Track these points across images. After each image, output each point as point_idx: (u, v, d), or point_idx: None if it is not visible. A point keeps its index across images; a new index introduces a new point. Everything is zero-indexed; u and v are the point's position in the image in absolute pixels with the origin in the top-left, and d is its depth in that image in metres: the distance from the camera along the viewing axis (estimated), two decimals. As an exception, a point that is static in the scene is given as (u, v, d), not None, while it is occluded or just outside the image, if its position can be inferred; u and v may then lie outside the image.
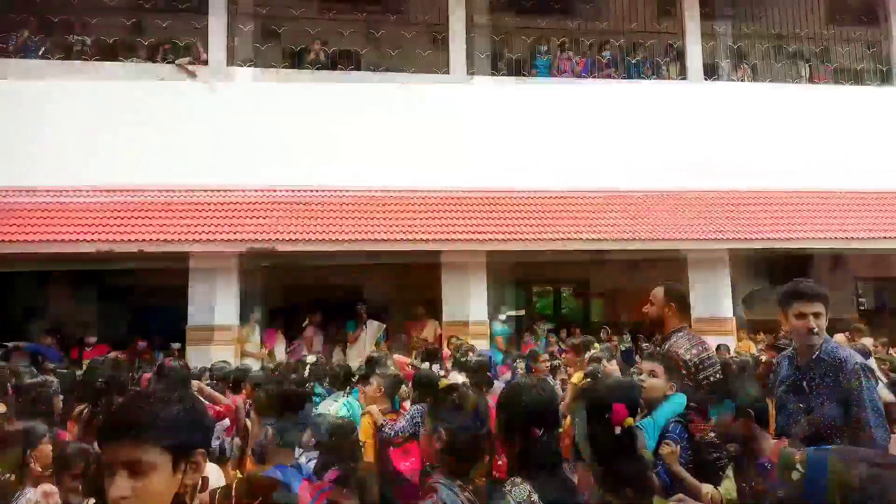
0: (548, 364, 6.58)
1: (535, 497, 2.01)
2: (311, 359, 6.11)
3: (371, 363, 5.60)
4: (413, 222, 9.76)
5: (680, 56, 11.76)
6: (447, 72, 10.95)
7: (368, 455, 4.43)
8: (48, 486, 2.88)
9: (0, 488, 2.74)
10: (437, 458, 2.06)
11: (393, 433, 4.44)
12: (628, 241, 10.08)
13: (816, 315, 3.00)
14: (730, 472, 2.78)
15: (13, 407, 3.61)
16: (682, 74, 11.67)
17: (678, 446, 2.98)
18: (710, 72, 11.92)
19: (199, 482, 1.38)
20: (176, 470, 1.32)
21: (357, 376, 5.46)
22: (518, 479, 2.05)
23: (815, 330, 2.98)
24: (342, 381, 5.23)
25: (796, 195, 11.10)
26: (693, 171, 10.95)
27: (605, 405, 2.42)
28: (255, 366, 8.22)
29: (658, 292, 3.65)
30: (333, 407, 4.84)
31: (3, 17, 10.32)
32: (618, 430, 2.40)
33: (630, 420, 2.44)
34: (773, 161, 11.11)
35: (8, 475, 2.76)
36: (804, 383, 2.99)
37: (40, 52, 10.32)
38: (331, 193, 10.15)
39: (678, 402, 3.33)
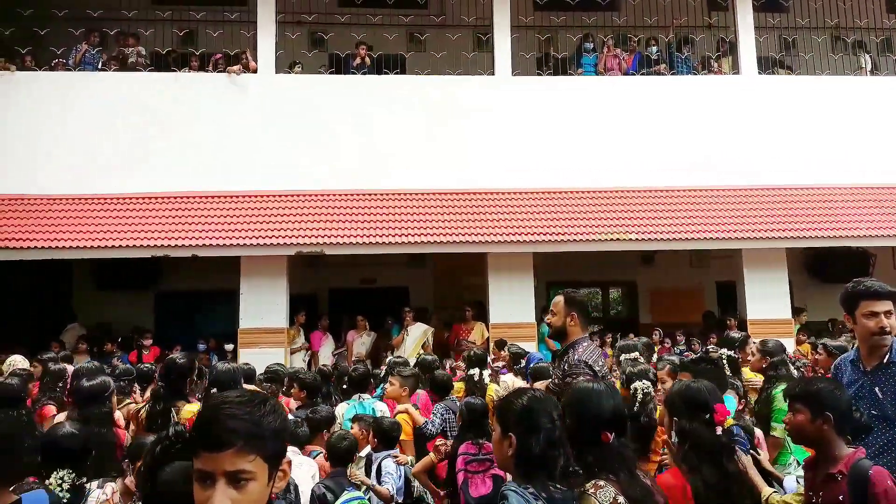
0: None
1: (620, 499, 1.96)
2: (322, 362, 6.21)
3: (422, 367, 5.68)
4: (459, 223, 9.73)
5: (732, 50, 11.44)
6: (492, 73, 10.90)
7: (409, 451, 4.43)
8: (115, 484, 2.96)
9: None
10: (509, 463, 2.02)
11: (434, 431, 4.56)
12: (678, 241, 9.81)
13: (888, 314, 2.84)
14: (799, 483, 2.67)
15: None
16: (735, 69, 11.34)
17: (748, 451, 2.88)
18: (764, 65, 11.56)
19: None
20: (270, 479, 1.31)
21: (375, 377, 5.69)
22: (601, 482, 2.00)
23: (888, 329, 2.82)
24: (357, 383, 5.25)
25: (856, 191, 10.66)
26: (748, 167, 10.66)
27: (707, 406, 2.42)
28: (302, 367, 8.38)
29: (559, 301, 3.47)
30: (341, 408, 4.97)
31: (63, 32, 10.72)
32: (719, 430, 2.39)
33: (730, 420, 2.41)
34: (832, 156, 10.72)
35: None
36: (876, 388, 2.83)
37: (98, 65, 10.68)
38: (377, 195, 10.21)
39: (731, 404, 3.22)
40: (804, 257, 11.99)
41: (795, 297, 10.47)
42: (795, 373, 4.22)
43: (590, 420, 2.12)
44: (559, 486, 1.89)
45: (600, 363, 3.32)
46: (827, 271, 11.99)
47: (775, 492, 2.69)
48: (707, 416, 2.46)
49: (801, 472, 2.87)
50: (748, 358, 4.66)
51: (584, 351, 3.29)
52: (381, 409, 4.91)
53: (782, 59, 12.07)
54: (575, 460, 2.09)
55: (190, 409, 4.02)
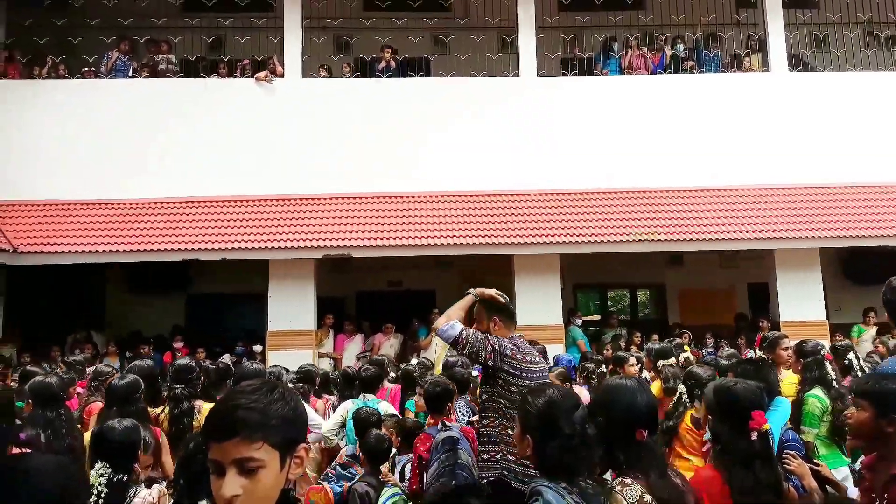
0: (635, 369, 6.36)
1: (647, 498, 1.93)
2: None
3: (447, 368, 5.65)
4: (485, 225, 9.71)
5: (762, 47, 11.25)
6: (517, 74, 10.88)
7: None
8: (162, 487, 2.99)
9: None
10: (532, 460, 2.01)
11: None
12: (707, 242, 9.67)
13: None
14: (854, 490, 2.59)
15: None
16: (765, 66, 11.16)
17: (802, 457, 2.80)
18: (794, 62, 11.36)
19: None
20: (283, 466, 1.31)
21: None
22: (628, 480, 1.98)
23: None
24: (367, 383, 5.27)
25: (892, 189, 10.40)
26: (779, 166, 10.48)
27: (744, 410, 2.36)
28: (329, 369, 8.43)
29: (479, 310, 3.47)
30: (345, 406, 5.03)
31: (95, 40, 10.94)
32: (754, 435, 2.32)
33: (767, 426, 2.34)
34: (866, 154, 10.49)
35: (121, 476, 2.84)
36: None
37: (129, 72, 10.88)
38: (404, 198, 10.24)
39: (786, 408, 3.13)
40: (838, 258, 11.74)
41: (830, 299, 10.25)
42: (832, 374, 4.12)
43: (623, 417, 2.08)
44: (590, 482, 1.86)
45: (531, 357, 3.35)
46: (862, 272, 11.73)
47: None
48: (742, 420, 2.37)
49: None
50: (785, 360, 4.55)
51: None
52: (385, 408, 4.92)
53: (807, 61, 11.84)
54: (605, 458, 2.06)
55: (209, 408, 4.07)
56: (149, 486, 2.94)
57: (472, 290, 3.50)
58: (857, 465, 3.09)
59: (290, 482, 1.34)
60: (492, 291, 3.53)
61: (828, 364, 4.19)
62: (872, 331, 9.34)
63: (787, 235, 9.56)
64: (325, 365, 9.62)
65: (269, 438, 1.28)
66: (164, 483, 3.02)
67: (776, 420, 3.09)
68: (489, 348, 3.23)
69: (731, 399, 2.43)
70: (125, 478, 2.80)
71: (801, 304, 9.72)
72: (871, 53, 11.73)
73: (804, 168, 10.47)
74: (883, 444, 2.26)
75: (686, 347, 6.48)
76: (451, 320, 3.29)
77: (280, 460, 1.30)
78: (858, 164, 10.45)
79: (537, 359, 3.46)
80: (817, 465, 2.80)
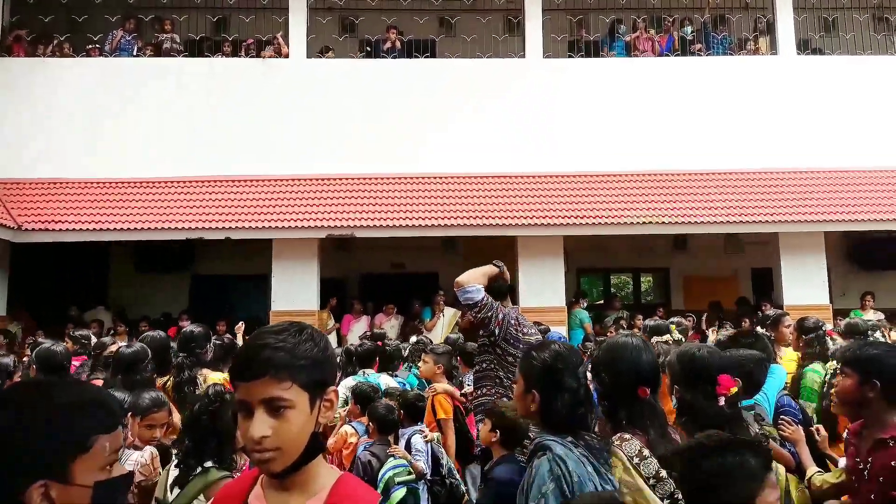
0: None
1: (646, 452, 1.94)
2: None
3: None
4: (489, 206, 9.70)
5: (770, 30, 11.15)
6: (523, 56, 10.81)
7: (450, 430, 4.44)
8: (153, 449, 3.02)
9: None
10: (534, 417, 1.97)
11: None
12: (712, 225, 9.64)
13: None
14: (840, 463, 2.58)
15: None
16: (773, 49, 11.07)
17: (798, 423, 2.79)
18: (803, 46, 11.27)
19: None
20: (312, 408, 1.28)
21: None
22: (627, 435, 1.99)
23: None
24: (362, 359, 5.39)
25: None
26: (786, 149, 10.41)
27: (710, 374, 2.32)
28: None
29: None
30: (346, 383, 5.04)
31: (99, 18, 10.91)
32: (721, 401, 2.29)
33: (735, 389, 2.31)
34: (874, 138, 10.41)
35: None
36: None
37: (133, 51, 10.86)
38: (408, 179, 10.23)
39: (780, 374, 3.13)
40: (845, 244, 11.71)
41: (835, 285, 10.23)
42: (832, 348, 4.11)
43: (626, 375, 2.08)
44: (593, 435, 1.86)
45: (528, 330, 3.42)
46: (869, 258, 11.70)
47: (818, 471, 2.61)
48: (709, 385, 2.28)
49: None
50: (786, 337, 4.55)
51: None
52: (386, 382, 4.97)
53: (816, 45, 11.75)
54: (606, 416, 2.06)
55: (214, 377, 4.10)
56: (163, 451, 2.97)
57: (498, 263, 3.51)
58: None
59: (320, 426, 1.31)
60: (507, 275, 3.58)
61: (829, 340, 4.20)
62: (869, 314, 9.32)
63: (792, 219, 9.52)
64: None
65: (298, 378, 1.26)
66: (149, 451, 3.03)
67: (771, 387, 3.10)
68: (499, 315, 3.27)
69: (695, 364, 2.35)
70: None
71: (805, 288, 9.69)
72: (880, 37, 11.62)
73: (810, 152, 10.40)
74: (867, 409, 2.27)
75: (673, 329, 6.43)
76: (474, 283, 3.29)
77: (310, 402, 1.28)
78: (865, 148, 10.38)
79: (533, 331, 3.50)
80: (818, 431, 2.79)
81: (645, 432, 2.00)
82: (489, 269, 3.44)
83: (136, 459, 2.92)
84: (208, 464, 2.56)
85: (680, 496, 1.90)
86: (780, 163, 10.38)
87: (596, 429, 2.04)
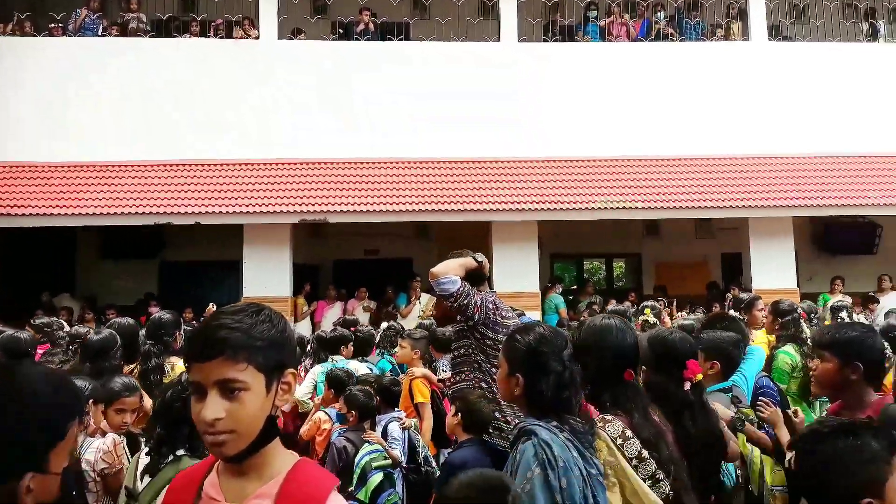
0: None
1: (628, 432, 1.93)
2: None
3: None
4: (463, 192, 9.66)
5: (742, 15, 11.24)
6: (497, 39, 10.74)
7: (428, 415, 4.42)
8: (115, 436, 2.93)
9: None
10: (518, 401, 1.93)
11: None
12: (684, 210, 9.74)
13: None
14: None
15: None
16: (745, 35, 11.16)
17: (777, 405, 2.80)
18: (774, 32, 11.38)
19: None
20: (268, 391, 1.24)
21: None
22: (609, 417, 1.98)
23: None
24: (331, 345, 5.40)
25: (865, 160, 10.54)
26: (756, 135, 10.54)
27: (679, 359, 2.32)
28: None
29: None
30: (315, 370, 5.10)
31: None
32: (687, 385, 2.29)
33: (700, 376, 2.31)
34: (842, 124, 10.59)
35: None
36: None
37: (98, 31, 10.53)
38: (382, 164, 10.13)
39: (760, 355, 3.15)
40: (811, 229, 11.92)
41: (802, 270, 10.42)
42: (808, 331, 4.17)
43: (611, 358, 2.06)
44: (578, 420, 1.83)
45: (507, 313, 3.41)
46: (835, 244, 11.94)
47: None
48: (678, 370, 2.30)
49: None
50: (759, 320, 4.61)
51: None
52: (355, 367, 4.94)
53: (786, 33, 11.88)
54: (589, 399, 2.04)
55: (183, 365, 4.01)
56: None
57: (479, 257, 3.44)
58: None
59: (277, 408, 1.27)
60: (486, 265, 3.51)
61: (803, 323, 4.25)
62: (837, 297, 9.52)
63: (762, 204, 9.65)
64: (304, 330, 9.58)
65: (254, 360, 1.22)
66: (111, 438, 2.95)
67: (750, 368, 3.12)
68: (477, 300, 3.23)
69: (666, 349, 2.37)
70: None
71: (774, 272, 9.86)
72: (849, 24, 11.79)
73: (780, 138, 10.55)
74: (849, 391, 2.28)
75: (647, 312, 6.49)
76: (450, 274, 3.23)
77: (266, 384, 1.24)
78: (834, 134, 10.55)
79: (511, 315, 3.47)
80: (795, 412, 2.81)
81: (628, 414, 1.99)
82: (467, 262, 3.36)
83: (97, 447, 2.83)
84: (181, 452, 2.49)
85: (661, 476, 1.90)
86: (751, 149, 10.51)
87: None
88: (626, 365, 2.06)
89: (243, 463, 1.24)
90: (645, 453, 1.90)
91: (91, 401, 2.98)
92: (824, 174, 10.25)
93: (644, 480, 1.86)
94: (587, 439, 1.81)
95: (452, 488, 1.59)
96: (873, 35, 11.89)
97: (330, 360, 5.18)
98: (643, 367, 2.40)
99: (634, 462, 1.88)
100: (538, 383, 1.85)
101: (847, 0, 11.95)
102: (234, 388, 1.20)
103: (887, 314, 6.08)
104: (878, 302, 9.46)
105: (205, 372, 1.21)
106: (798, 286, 10.03)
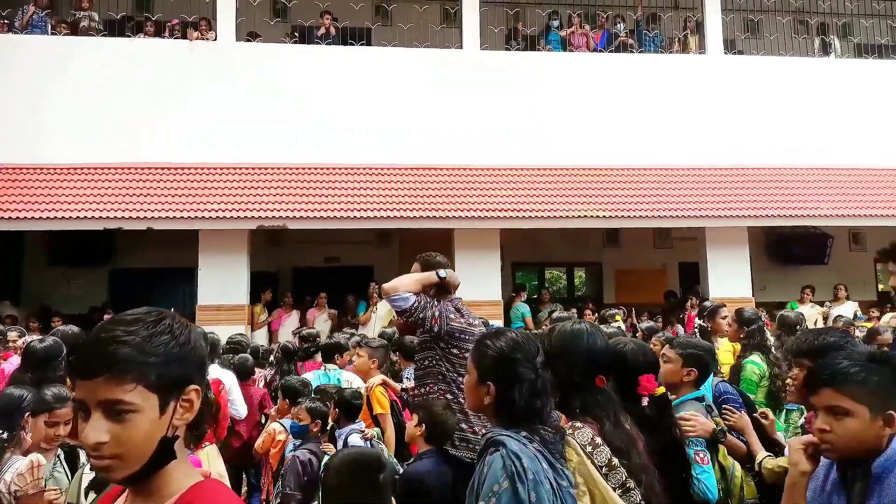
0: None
1: (598, 440, 1.87)
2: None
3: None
4: (425, 199, 9.58)
5: (699, 29, 11.47)
6: (460, 47, 10.73)
7: (389, 425, 4.30)
8: (37, 457, 2.74)
9: None
10: (487, 410, 1.82)
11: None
12: (643, 219, 9.86)
13: None
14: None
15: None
16: (702, 48, 11.39)
17: (742, 408, 2.77)
18: (729, 46, 11.64)
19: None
20: (163, 411, 1.10)
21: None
22: (578, 424, 1.90)
23: None
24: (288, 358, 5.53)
25: (816, 172, 10.84)
26: (711, 147, 10.74)
27: (631, 373, 2.25)
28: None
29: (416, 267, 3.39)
30: (307, 378, 4.92)
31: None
32: (645, 401, 2.23)
33: (661, 389, 2.26)
34: (793, 137, 10.87)
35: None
36: None
37: (47, 30, 10.16)
38: (343, 170, 9.98)
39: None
40: (765, 239, 12.18)
41: (755, 279, 10.62)
42: (771, 339, 4.20)
43: (582, 363, 1.99)
44: (548, 429, 1.74)
45: (472, 320, 3.34)
46: (786, 254, 12.23)
47: (769, 455, 2.60)
48: (631, 385, 2.23)
49: None
50: (724, 328, 4.62)
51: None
52: (349, 378, 4.78)
53: (740, 48, 12.19)
54: (559, 406, 1.97)
55: None
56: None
57: (443, 274, 3.31)
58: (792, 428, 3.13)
59: (174, 429, 1.13)
60: (455, 280, 3.36)
61: (767, 331, 4.27)
62: (807, 307, 9.72)
63: (718, 214, 9.82)
64: (261, 339, 9.36)
65: (146, 378, 1.08)
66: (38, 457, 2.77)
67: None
68: (435, 312, 3.13)
69: (618, 361, 2.28)
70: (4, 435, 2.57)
71: (730, 281, 10.03)
72: (801, 39, 12.14)
73: (736, 149, 10.77)
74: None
75: (618, 318, 6.54)
76: (404, 290, 3.12)
77: (160, 404, 1.10)
78: (787, 146, 10.82)
79: (477, 321, 3.39)
80: (764, 416, 2.79)
81: (598, 421, 1.93)
82: (425, 277, 3.24)
83: (16, 467, 2.65)
84: None
85: (632, 484, 1.84)
86: (708, 160, 10.70)
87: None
88: (597, 370, 2.00)
89: (142, 485, 1.12)
90: (615, 461, 1.84)
91: (28, 414, 2.80)
92: (778, 186, 10.49)
93: (614, 489, 1.79)
94: (557, 449, 1.72)
95: (331, 466, 1.49)
96: (824, 50, 12.27)
97: (324, 368, 5.02)
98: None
99: (604, 470, 1.82)
100: (510, 391, 1.75)
101: (799, 17, 12.31)
102: (121, 410, 1.06)
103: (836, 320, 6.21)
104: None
105: (87, 390, 1.07)
106: (752, 295, 10.22)
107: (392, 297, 3.12)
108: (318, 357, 5.69)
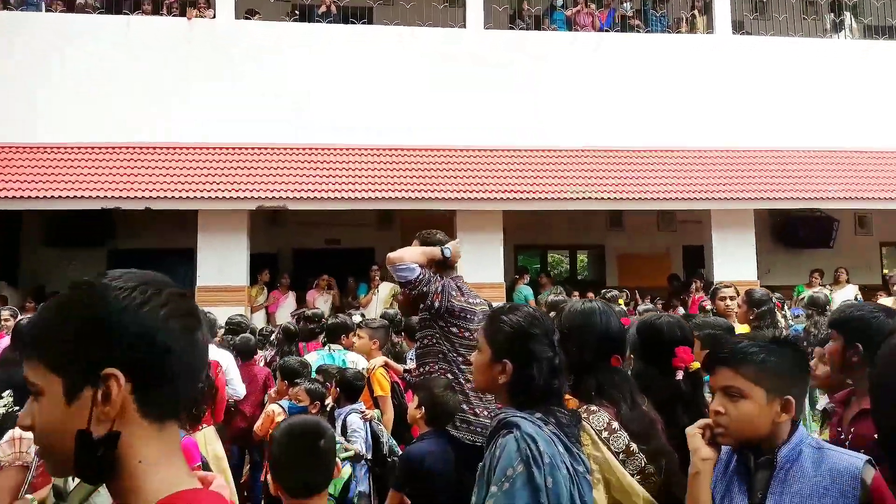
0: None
1: (615, 424, 1.77)
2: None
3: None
4: (428, 180, 9.46)
5: (707, 9, 11.28)
6: (463, 26, 10.56)
7: (388, 408, 4.23)
8: (20, 431, 2.67)
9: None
10: (500, 390, 1.71)
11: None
12: (647, 201, 9.73)
13: None
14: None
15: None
16: (710, 28, 11.20)
17: None
18: (737, 27, 11.45)
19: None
20: (72, 398, 0.92)
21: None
22: (593, 408, 1.81)
23: None
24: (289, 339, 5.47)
25: (824, 154, 10.70)
26: (719, 128, 10.59)
27: (667, 345, 2.15)
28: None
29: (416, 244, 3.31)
30: (310, 358, 4.90)
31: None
32: (679, 374, 2.12)
33: (696, 364, 2.15)
34: (801, 119, 10.72)
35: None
36: None
37: (42, 7, 9.99)
38: (344, 150, 9.85)
39: None
40: (770, 222, 12.07)
41: (760, 262, 10.52)
42: (782, 321, 4.10)
43: (595, 342, 1.90)
44: (563, 411, 1.64)
45: (473, 298, 3.25)
46: (792, 238, 12.11)
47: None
48: (666, 358, 2.13)
49: None
50: (729, 309, 4.51)
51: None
52: (353, 359, 4.70)
53: (748, 29, 11.99)
54: (573, 389, 1.87)
55: None
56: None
57: (447, 253, 3.22)
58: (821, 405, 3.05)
59: (102, 422, 0.91)
60: (458, 252, 3.30)
61: (778, 313, 4.18)
62: (814, 290, 9.62)
63: (724, 196, 9.70)
64: (259, 321, 9.28)
65: (44, 356, 0.94)
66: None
67: None
68: (438, 287, 3.06)
69: (653, 334, 2.19)
70: (15, 410, 2.51)
71: (735, 264, 9.93)
72: (809, 20, 11.94)
73: (743, 131, 10.62)
74: (854, 375, 2.13)
75: (620, 301, 6.46)
76: (410, 261, 3.04)
77: (66, 391, 0.92)
78: (794, 128, 10.67)
79: (478, 300, 3.31)
80: None
81: (615, 404, 1.83)
82: (431, 252, 3.18)
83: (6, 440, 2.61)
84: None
85: (651, 469, 1.74)
86: (714, 141, 10.57)
87: None
88: (611, 350, 1.90)
89: (106, 486, 0.96)
90: (633, 447, 1.74)
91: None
92: (784, 168, 10.36)
93: (632, 475, 1.70)
94: (573, 432, 1.62)
95: (274, 437, 1.67)
96: (835, 29, 12.06)
97: (328, 348, 4.94)
98: (631, 355, 2.22)
99: (622, 456, 1.72)
100: (528, 370, 1.63)
101: (807, -3, 12.11)
102: (32, 392, 0.95)
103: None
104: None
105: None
106: (757, 278, 10.12)
107: (398, 266, 3.06)
108: (320, 338, 5.62)
